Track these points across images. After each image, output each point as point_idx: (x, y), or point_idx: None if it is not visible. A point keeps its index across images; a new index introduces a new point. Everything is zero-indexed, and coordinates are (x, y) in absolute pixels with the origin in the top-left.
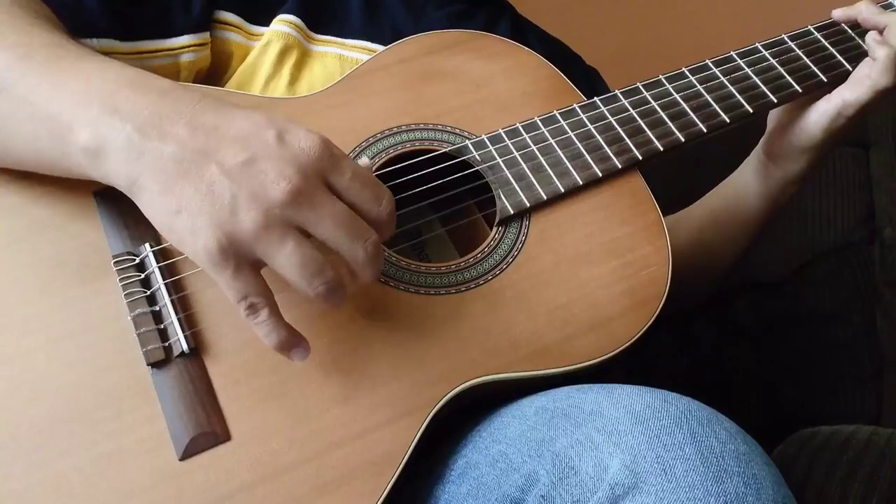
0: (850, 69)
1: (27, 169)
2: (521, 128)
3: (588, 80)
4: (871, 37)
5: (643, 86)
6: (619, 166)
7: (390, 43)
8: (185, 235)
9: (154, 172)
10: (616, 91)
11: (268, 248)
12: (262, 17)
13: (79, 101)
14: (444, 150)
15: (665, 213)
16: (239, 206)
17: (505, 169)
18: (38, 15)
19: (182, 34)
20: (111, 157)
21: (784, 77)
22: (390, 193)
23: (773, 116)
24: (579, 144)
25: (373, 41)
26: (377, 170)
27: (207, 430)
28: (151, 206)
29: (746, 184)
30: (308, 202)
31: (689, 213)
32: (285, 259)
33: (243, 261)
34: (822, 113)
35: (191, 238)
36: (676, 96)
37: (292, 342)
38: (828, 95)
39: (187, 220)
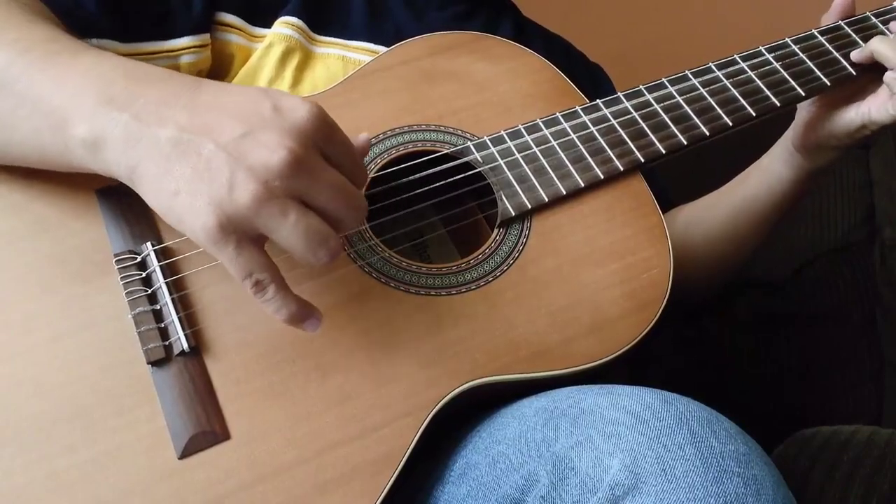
0: (853, 73)
1: (32, 165)
2: (523, 129)
3: (591, 77)
4: (891, 75)
5: (646, 88)
6: (621, 168)
7: (393, 44)
8: (183, 216)
9: (152, 157)
10: (619, 93)
11: (269, 221)
12: (263, 19)
13: (76, 95)
14: (446, 151)
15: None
16: (237, 181)
17: (507, 170)
18: (36, 12)
19: (182, 36)
20: (110, 148)
21: (787, 81)
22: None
23: (802, 108)
24: (581, 146)
25: (375, 42)
26: (380, 170)
27: (207, 428)
28: (150, 192)
29: (779, 174)
30: (307, 171)
31: (712, 203)
32: (289, 230)
33: (244, 237)
34: (850, 122)
35: (189, 218)
36: (679, 99)
37: (304, 314)
38: (857, 104)
39: (186, 201)
